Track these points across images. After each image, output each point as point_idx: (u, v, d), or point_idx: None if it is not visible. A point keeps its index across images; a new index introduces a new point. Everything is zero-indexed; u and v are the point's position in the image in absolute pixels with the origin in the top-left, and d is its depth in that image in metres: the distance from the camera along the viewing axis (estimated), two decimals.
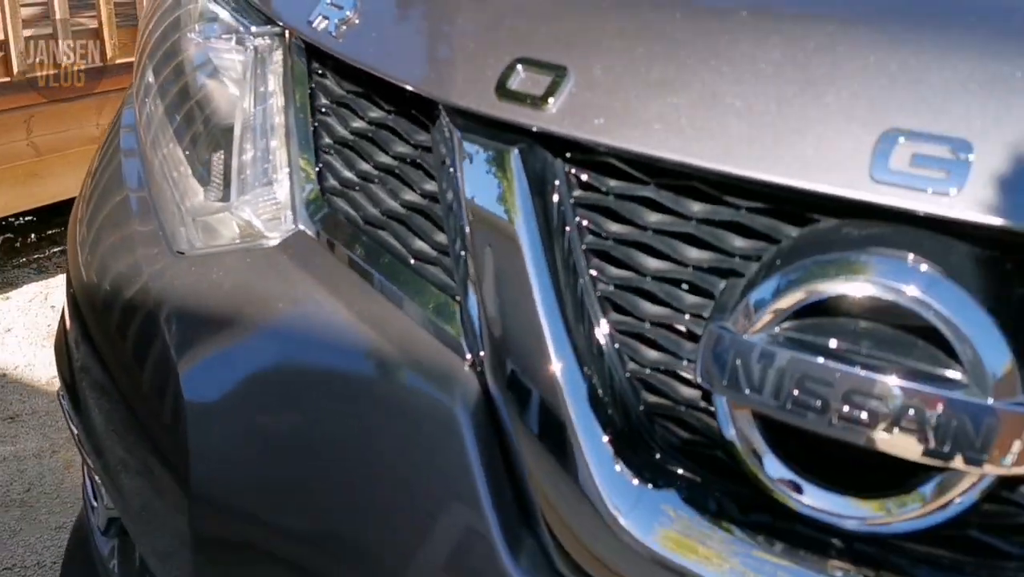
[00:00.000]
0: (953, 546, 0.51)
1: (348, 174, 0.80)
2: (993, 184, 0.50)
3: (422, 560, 0.65)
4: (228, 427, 0.75)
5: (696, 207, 0.59)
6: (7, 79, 3.11)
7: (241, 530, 0.74)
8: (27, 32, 3.11)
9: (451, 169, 0.67)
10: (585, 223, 0.63)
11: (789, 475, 0.53)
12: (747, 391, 0.52)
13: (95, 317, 0.92)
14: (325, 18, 0.80)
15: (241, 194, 0.83)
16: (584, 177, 0.63)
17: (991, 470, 0.47)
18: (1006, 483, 0.50)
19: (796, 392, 0.50)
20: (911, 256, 0.50)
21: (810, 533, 0.53)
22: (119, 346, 0.87)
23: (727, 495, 0.56)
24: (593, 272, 0.62)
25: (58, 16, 3.08)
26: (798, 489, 0.52)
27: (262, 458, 0.73)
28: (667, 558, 0.54)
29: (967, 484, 0.49)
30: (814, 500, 0.52)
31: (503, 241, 0.63)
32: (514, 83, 0.63)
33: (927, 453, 0.48)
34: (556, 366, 0.59)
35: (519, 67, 0.63)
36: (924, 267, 0.50)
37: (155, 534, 0.83)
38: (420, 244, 0.73)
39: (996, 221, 0.49)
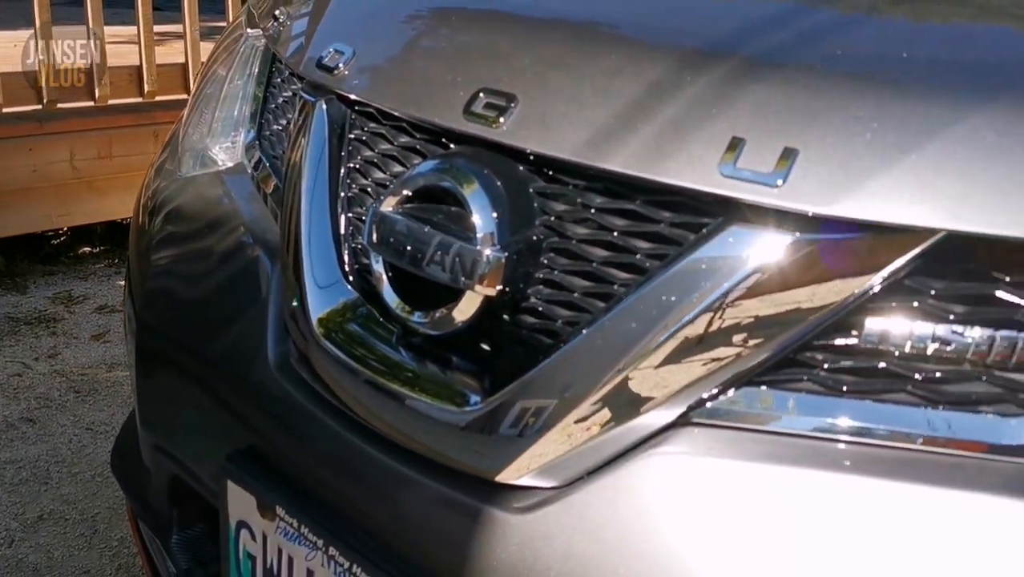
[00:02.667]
0: (483, 346, 0.81)
1: (275, 127, 1.18)
2: (527, 122, 0.79)
3: (242, 356, 1.00)
4: (168, 279, 1.14)
5: (402, 139, 0.91)
6: None
7: (164, 346, 1.13)
8: None
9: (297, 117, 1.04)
10: (352, 151, 0.97)
11: (395, 296, 0.84)
12: (375, 241, 0.84)
13: (134, 219, 1.35)
14: (274, 23, 1.19)
15: (213, 137, 1.23)
16: (357, 121, 0.97)
17: (480, 290, 0.77)
18: (500, 305, 0.78)
19: (390, 239, 0.82)
20: (467, 165, 0.80)
21: (411, 339, 0.84)
22: (134, 231, 1.29)
23: (374, 313, 0.88)
24: (349, 182, 0.96)
25: None
26: (399, 303, 0.83)
27: (180, 297, 1.12)
28: (326, 345, 0.87)
29: (476, 302, 0.78)
30: (408, 313, 0.83)
31: (298, 162, 0.98)
32: (325, 59, 0.99)
33: (451, 280, 0.78)
34: (306, 237, 0.93)
35: (331, 47, 0.99)
36: (469, 173, 0.80)
37: (130, 352, 1.24)
38: None
39: (525, 146, 0.78)
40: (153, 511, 1.28)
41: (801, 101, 0.69)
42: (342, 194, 0.95)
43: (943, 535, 0.62)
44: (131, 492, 1.35)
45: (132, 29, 3.53)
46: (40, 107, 3.29)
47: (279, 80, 1.22)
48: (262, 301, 1.00)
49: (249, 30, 1.29)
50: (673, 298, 0.70)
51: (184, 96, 3.61)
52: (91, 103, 3.39)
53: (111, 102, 3.42)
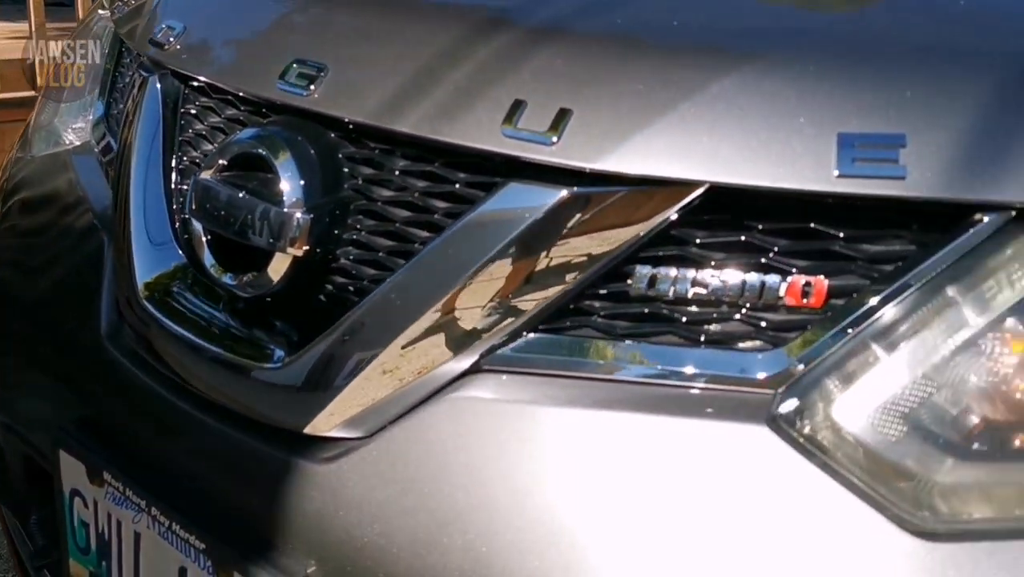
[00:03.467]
0: (295, 306, 0.84)
1: (121, 105, 1.19)
2: (336, 90, 0.82)
3: (76, 328, 1.02)
4: (9, 258, 1.15)
5: (229, 111, 0.94)
6: None
7: (5, 324, 1.14)
8: None
9: (136, 93, 1.05)
10: (184, 124, 0.99)
11: (211, 259, 0.86)
12: (193, 206, 0.86)
13: None
14: (120, 3, 1.20)
15: (63, 117, 1.24)
16: (190, 95, 0.99)
17: (289, 252, 0.80)
18: (310, 265, 0.81)
19: (208, 206, 0.84)
20: (279, 133, 0.83)
21: (233, 303, 0.87)
22: None
23: (198, 277, 0.90)
24: (181, 154, 0.98)
25: None
26: (214, 266, 0.86)
27: (19, 276, 1.13)
28: (150, 308, 0.89)
29: (286, 263, 0.81)
30: (222, 273, 0.85)
31: (133, 136, 0.99)
32: (158, 35, 1.00)
33: (264, 243, 0.81)
34: (137, 207, 0.95)
35: (164, 23, 1.01)
36: (280, 140, 0.83)
37: None
38: None
39: (331, 112, 0.81)
40: (12, 492, 1.28)
41: (576, 66, 0.73)
42: (174, 166, 0.97)
43: (703, 462, 0.67)
44: None
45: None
46: None
47: (127, 60, 1.23)
48: (97, 274, 1.01)
49: (101, 11, 1.30)
50: (461, 253, 0.74)
51: None
52: None
53: (1, 96, 3.35)
